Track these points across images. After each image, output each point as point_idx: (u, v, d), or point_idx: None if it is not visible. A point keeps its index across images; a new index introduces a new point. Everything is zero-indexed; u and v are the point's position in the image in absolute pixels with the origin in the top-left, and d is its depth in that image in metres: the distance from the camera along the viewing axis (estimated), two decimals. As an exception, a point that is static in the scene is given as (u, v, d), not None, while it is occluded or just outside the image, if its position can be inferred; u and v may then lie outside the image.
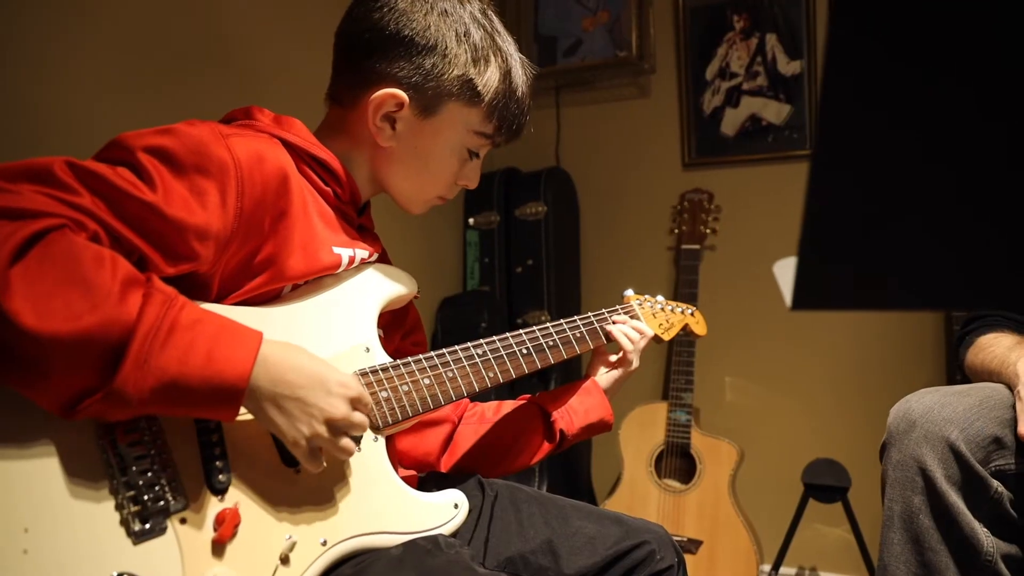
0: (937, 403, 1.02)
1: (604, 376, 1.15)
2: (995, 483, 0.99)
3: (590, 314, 1.14)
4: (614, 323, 1.14)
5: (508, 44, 0.97)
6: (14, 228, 0.62)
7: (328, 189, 0.92)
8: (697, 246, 2.22)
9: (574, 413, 1.11)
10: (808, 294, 0.46)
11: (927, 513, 0.99)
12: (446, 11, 0.92)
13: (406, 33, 0.90)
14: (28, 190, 0.66)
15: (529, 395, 1.18)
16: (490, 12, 0.98)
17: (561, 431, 1.10)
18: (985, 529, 0.98)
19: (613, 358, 1.16)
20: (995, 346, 1.19)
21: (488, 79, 0.94)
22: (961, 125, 0.39)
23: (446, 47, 0.91)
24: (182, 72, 1.56)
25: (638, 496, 2.10)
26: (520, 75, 0.98)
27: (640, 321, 1.17)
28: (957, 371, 1.74)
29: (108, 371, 0.64)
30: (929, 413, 1.01)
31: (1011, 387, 1.09)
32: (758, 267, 2.26)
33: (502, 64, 0.95)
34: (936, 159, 0.41)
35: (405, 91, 0.91)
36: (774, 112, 2.25)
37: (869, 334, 2.13)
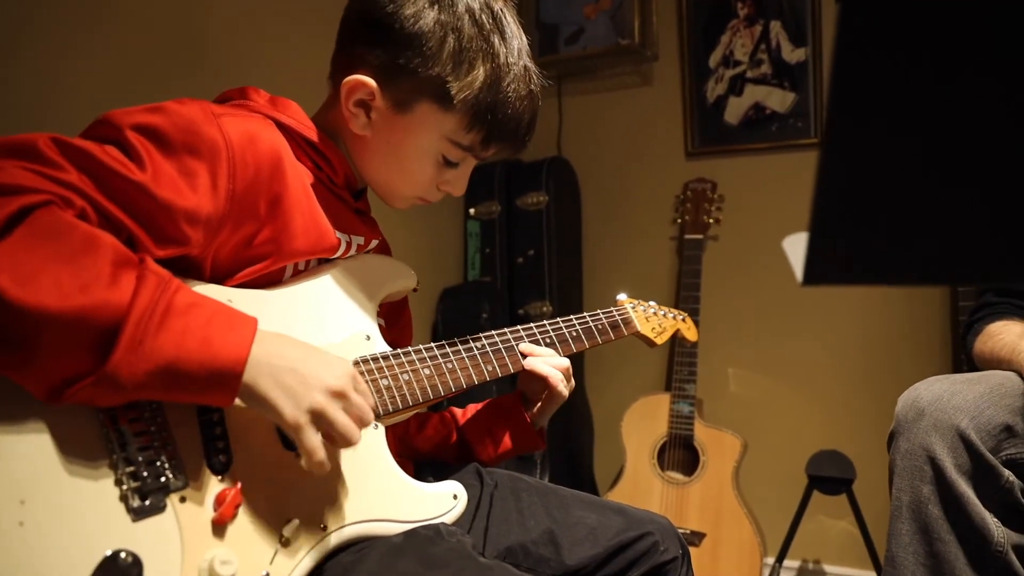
0: (947, 391, 1.01)
1: (535, 402, 1.08)
2: (1006, 472, 0.97)
3: (586, 314, 1.12)
4: (526, 355, 1.02)
5: (509, 50, 0.88)
6: None
7: (323, 173, 0.90)
8: (700, 236, 2.20)
9: (496, 442, 1.08)
10: (820, 268, 0.46)
11: (936, 503, 0.98)
12: (441, 2, 0.85)
13: (389, 21, 0.85)
14: (12, 166, 0.63)
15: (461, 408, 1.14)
16: (500, 11, 0.89)
17: (479, 461, 1.07)
18: (996, 519, 0.96)
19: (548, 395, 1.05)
20: (1004, 334, 1.17)
21: (467, 84, 0.85)
22: (976, 98, 0.38)
23: (426, 42, 0.84)
24: (175, 63, 1.54)
25: (641, 488, 2.08)
26: (517, 87, 0.87)
27: (555, 356, 1.04)
28: (964, 361, 1.72)
29: (100, 355, 0.62)
30: (939, 401, 1.00)
31: (1022, 375, 1.07)
32: (762, 257, 2.24)
33: (490, 71, 0.86)
34: (952, 132, 0.40)
35: (376, 80, 0.87)
36: (778, 100, 2.22)
37: (874, 324, 2.11)
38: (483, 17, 0.87)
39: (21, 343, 0.60)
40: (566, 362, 1.05)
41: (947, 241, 0.43)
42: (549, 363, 1.03)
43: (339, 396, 0.73)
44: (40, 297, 0.59)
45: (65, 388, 0.62)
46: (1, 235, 0.59)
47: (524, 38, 0.92)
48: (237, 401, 0.70)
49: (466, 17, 0.86)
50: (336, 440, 0.74)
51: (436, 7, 0.85)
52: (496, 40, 0.87)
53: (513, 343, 1.03)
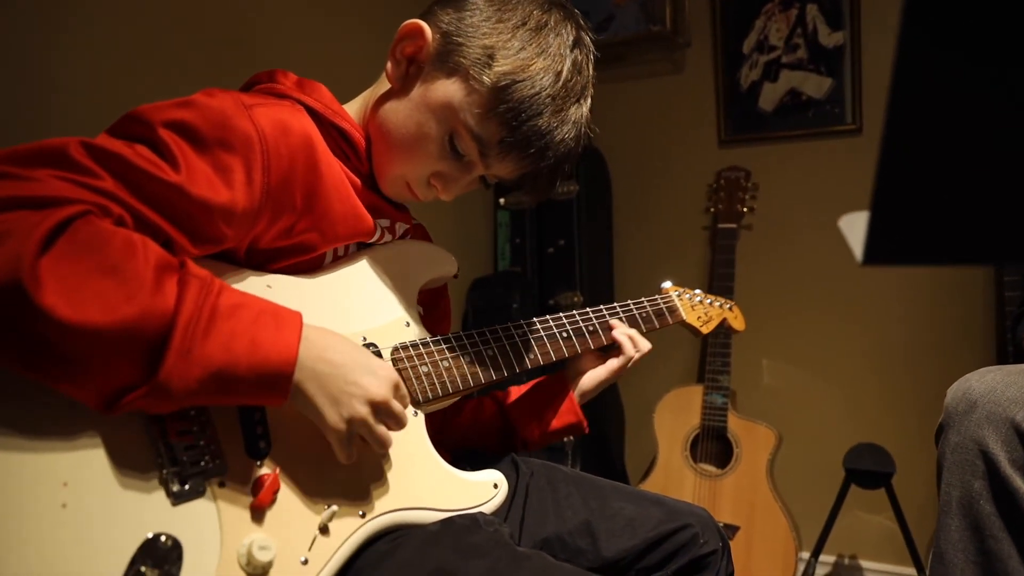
0: (1000, 382, 0.97)
1: (587, 376, 1.07)
2: (1063, 467, 0.93)
3: (630, 302, 1.11)
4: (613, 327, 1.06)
5: (574, 79, 0.85)
6: (39, 218, 0.58)
7: (351, 161, 0.88)
8: (734, 225, 2.16)
9: (543, 422, 1.06)
10: (880, 247, 0.45)
11: (988, 498, 0.94)
12: (532, 19, 0.84)
13: None
14: (46, 175, 0.62)
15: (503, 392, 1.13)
16: (588, 56, 0.88)
17: (523, 441, 1.07)
18: (1052, 516, 0.93)
19: (613, 362, 1.07)
20: (1059, 324, 1.13)
21: (512, 65, 0.81)
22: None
23: (501, 15, 0.83)
24: (203, 45, 1.54)
25: (673, 480, 2.06)
26: (560, 112, 0.83)
27: (641, 337, 1.08)
28: (1010, 354, 1.66)
29: (150, 364, 0.61)
30: (991, 393, 0.96)
31: (1079, 366, 1.03)
32: (796, 246, 2.20)
33: (541, 72, 0.82)
34: (1018, 110, 0.39)
35: (434, 32, 0.85)
36: (814, 86, 2.17)
37: (912, 315, 2.06)
38: (573, 52, 0.85)
39: (72, 358, 0.59)
40: (648, 345, 1.08)
41: (1011, 221, 0.42)
42: (633, 334, 1.07)
43: (380, 406, 0.75)
44: (88, 313, 0.58)
45: (118, 399, 0.62)
46: (44, 249, 0.58)
47: (589, 101, 0.89)
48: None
49: (553, 33, 0.84)
50: (371, 445, 0.77)
51: (540, 9, 0.85)
52: (568, 64, 0.84)
53: (555, 331, 1.02)
